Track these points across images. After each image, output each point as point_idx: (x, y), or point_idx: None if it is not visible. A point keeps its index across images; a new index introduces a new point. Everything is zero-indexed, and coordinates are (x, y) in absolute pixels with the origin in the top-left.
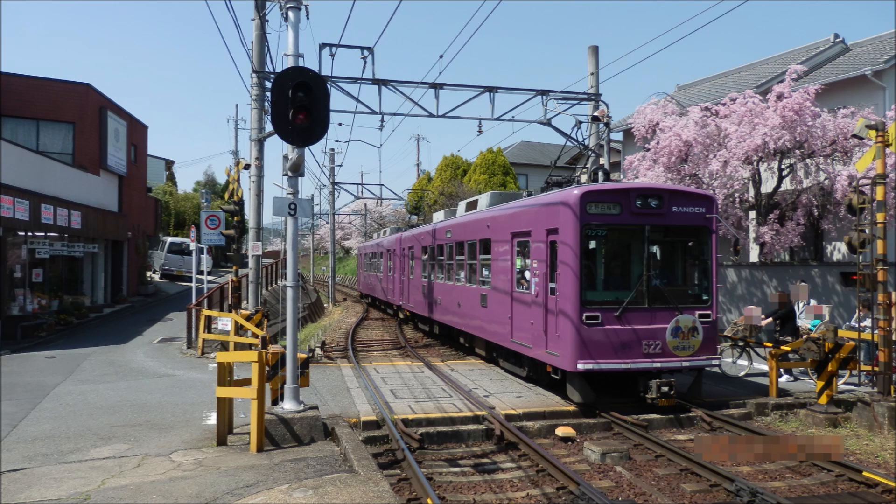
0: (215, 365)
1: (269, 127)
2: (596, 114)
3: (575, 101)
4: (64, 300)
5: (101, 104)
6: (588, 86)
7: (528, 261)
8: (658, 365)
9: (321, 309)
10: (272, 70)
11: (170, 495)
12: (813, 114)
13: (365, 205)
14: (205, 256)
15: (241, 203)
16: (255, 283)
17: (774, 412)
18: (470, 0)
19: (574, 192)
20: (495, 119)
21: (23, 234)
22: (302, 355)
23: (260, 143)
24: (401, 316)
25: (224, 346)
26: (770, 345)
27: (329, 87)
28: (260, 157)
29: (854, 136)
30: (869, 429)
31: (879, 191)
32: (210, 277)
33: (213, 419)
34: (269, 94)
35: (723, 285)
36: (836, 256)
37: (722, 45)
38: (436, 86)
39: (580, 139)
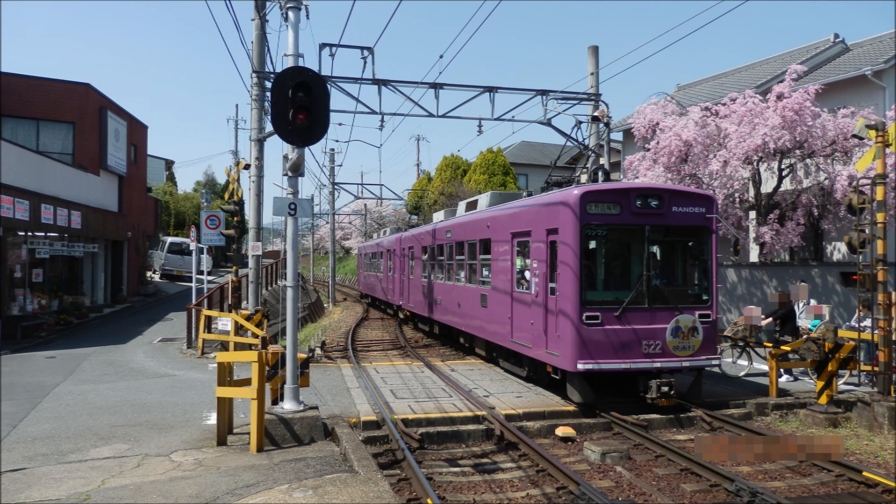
0: (215, 365)
1: (269, 127)
2: (596, 114)
3: (575, 101)
4: (64, 300)
5: (101, 104)
6: (588, 86)
7: (528, 261)
8: (658, 365)
9: (321, 309)
10: (272, 70)
11: (170, 495)
12: (813, 114)
13: (365, 205)
14: (205, 256)
15: (241, 203)
16: (255, 283)
17: (774, 412)
18: (470, 0)
19: (574, 192)
20: (495, 119)
21: (23, 234)
22: (302, 355)
23: (260, 143)
24: (401, 316)
25: (224, 346)
26: (770, 345)
27: (329, 87)
28: (260, 157)
29: (854, 136)
30: (869, 429)
31: (879, 191)
32: (210, 277)
33: (213, 419)
34: (269, 94)
35: (723, 285)
36: (836, 256)
37: (722, 45)
38: (436, 86)
39: (580, 139)
